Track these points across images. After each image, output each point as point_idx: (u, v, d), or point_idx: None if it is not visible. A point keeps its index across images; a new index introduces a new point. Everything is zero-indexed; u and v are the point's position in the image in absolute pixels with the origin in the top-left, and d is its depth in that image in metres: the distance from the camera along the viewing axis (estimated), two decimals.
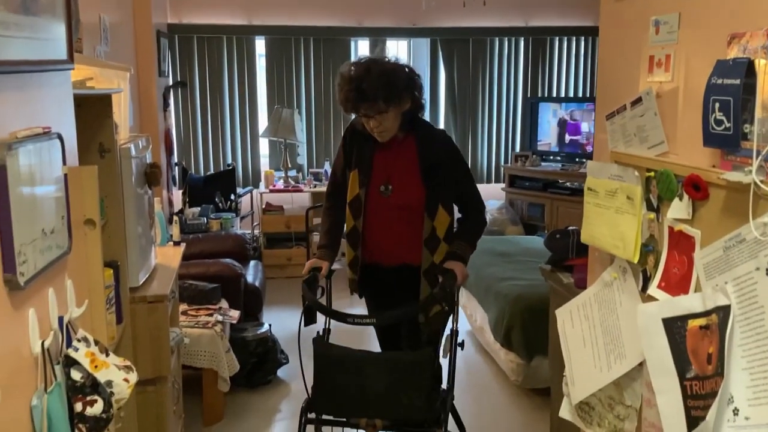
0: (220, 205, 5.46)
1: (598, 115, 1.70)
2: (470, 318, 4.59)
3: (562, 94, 6.62)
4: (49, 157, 1.29)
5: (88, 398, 1.31)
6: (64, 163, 1.37)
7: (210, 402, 3.42)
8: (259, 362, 3.71)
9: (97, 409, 1.31)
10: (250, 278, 4.20)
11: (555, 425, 2.59)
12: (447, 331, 2.52)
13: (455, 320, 2.46)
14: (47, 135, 1.29)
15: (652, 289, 1.41)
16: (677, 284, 1.34)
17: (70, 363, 1.31)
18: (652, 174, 1.41)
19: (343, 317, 2.36)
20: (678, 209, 1.33)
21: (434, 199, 2.45)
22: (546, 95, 6.57)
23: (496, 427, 3.44)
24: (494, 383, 3.94)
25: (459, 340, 2.43)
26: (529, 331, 3.60)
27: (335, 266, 2.71)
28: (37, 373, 1.23)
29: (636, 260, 1.47)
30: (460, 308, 4.72)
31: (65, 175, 1.38)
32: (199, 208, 5.26)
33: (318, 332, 2.50)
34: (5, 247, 1.09)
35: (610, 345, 1.55)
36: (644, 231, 1.46)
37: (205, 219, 5.09)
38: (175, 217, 3.61)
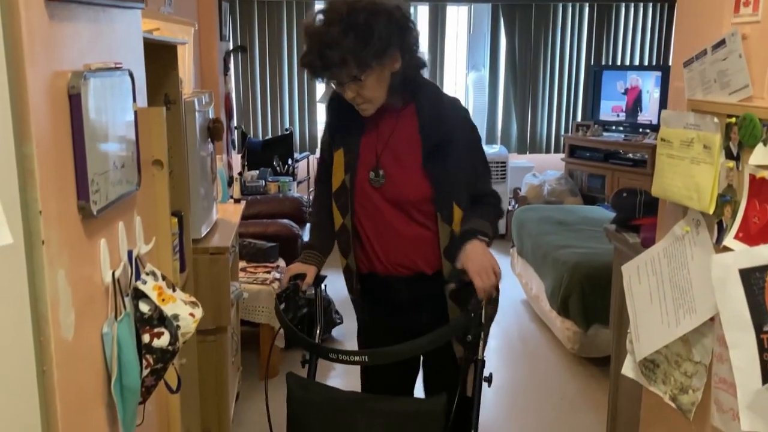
0: (277, 168, 5.52)
1: (674, 63, 1.63)
2: (526, 286, 4.54)
3: (627, 63, 6.41)
4: (121, 92, 1.31)
5: (155, 330, 1.34)
6: (134, 100, 1.39)
7: (266, 357, 3.49)
8: (314, 321, 3.75)
9: (163, 341, 1.34)
10: (306, 239, 4.24)
11: (613, 391, 2.54)
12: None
13: (481, 348, 1.81)
14: (119, 70, 1.30)
15: (729, 240, 1.35)
16: (757, 234, 1.28)
17: (139, 295, 1.35)
18: (734, 120, 1.34)
19: (323, 351, 1.76)
20: (762, 155, 1.26)
21: (446, 195, 1.84)
22: (610, 63, 6.37)
23: (552, 394, 3.41)
24: (549, 352, 3.90)
25: (486, 374, 1.79)
26: (587, 299, 3.54)
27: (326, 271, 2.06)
28: (107, 302, 1.26)
29: (711, 211, 1.40)
30: (515, 278, 4.76)
31: (135, 113, 1.40)
32: (257, 172, 5.33)
33: (303, 356, 1.92)
34: (79, 174, 1.12)
35: (680, 300, 1.50)
36: (721, 180, 1.39)
37: (263, 182, 5.15)
38: (236, 176, 3.67)
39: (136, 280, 1.36)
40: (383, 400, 1.82)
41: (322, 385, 1.88)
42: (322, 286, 2.07)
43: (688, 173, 1.48)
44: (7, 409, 0.94)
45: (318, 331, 2.03)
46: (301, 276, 1.94)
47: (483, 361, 1.78)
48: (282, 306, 1.86)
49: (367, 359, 1.73)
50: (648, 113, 5.84)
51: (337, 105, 1.94)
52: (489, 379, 1.78)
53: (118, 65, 1.30)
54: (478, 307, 1.71)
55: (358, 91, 1.79)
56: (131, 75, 1.36)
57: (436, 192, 1.84)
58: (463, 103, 2.00)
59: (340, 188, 1.93)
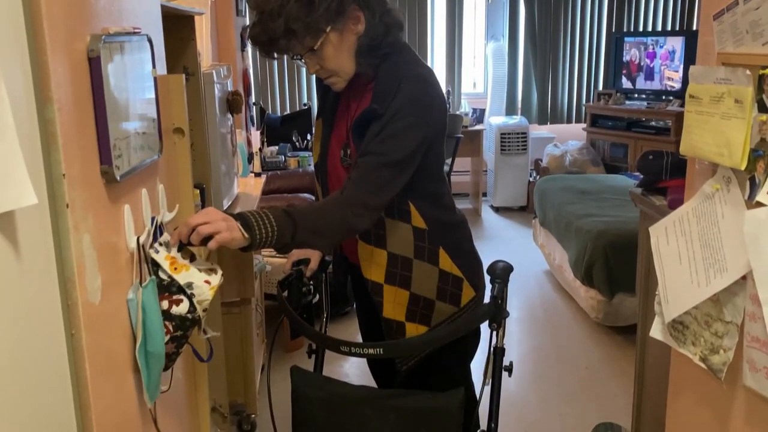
0: (297, 144, 5.51)
1: (703, 17, 1.58)
2: (548, 257, 4.51)
3: (650, 29, 6.28)
4: (140, 56, 1.30)
5: (174, 297, 1.33)
6: (154, 66, 1.38)
7: (286, 331, 3.50)
8: (337, 295, 3.76)
9: (182, 308, 1.33)
10: None
11: (640, 357, 2.52)
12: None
13: (500, 336, 1.64)
14: (137, 35, 1.29)
15: (762, 196, 1.32)
16: None
17: (156, 263, 1.34)
18: (767, 71, 1.30)
19: (333, 344, 1.57)
20: None
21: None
22: (632, 30, 6.24)
23: (576, 363, 3.40)
24: (573, 321, 3.88)
25: (506, 363, 1.65)
26: (612, 267, 3.51)
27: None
28: (132, 268, 1.26)
29: (743, 167, 1.37)
30: (537, 249, 4.73)
31: (155, 79, 1.39)
32: (276, 147, 5.33)
33: (310, 346, 1.81)
34: (101, 138, 1.11)
35: (710, 259, 1.47)
36: (754, 135, 1.35)
37: (283, 157, 5.15)
38: (256, 151, 3.66)
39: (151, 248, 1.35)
40: (395, 395, 1.65)
41: (329, 380, 1.74)
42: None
43: (718, 129, 1.44)
44: (39, 371, 0.95)
45: (325, 320, 1.88)
46: (305, 261, 1.79)
47: (503, 350, 1.65)
48: (285, 294, 1.71)
49: (382, 352, 1.55)
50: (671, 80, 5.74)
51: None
52: (509, 369, 1.65)
53: (136, 30, 1.29)
54: (502, 294, 1.60)
55: (319, 63, 1.55)
56: (150, 40, 1.35)
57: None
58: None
59: (318, 162, 1.75)
